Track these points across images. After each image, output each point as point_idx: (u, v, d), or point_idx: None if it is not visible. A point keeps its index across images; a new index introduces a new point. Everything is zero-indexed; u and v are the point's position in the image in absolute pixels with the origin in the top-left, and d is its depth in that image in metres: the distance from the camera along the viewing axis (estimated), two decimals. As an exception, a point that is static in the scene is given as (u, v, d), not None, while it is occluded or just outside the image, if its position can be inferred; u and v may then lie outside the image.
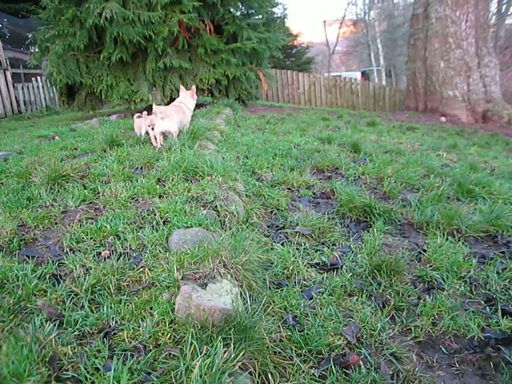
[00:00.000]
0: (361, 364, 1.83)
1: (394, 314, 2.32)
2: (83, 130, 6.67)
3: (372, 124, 9.93)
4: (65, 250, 2.40)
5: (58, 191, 3.33)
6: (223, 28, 10.02)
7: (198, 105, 7.71)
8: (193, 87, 5.22)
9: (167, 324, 1.67)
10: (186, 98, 5.12)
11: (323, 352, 1.86)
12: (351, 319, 2.15)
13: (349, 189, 3.79)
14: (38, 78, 17.81)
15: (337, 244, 3.07)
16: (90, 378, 1.43)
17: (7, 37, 21.97)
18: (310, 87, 19.38)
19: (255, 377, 1.56)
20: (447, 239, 3.19)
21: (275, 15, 13.08)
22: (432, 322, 2.26)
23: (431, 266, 2.82)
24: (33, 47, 21.76)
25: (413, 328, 2.20)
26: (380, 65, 32.74)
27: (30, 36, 17.37)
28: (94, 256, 2.30)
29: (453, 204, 3.91)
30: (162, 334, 1.63)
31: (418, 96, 15.13)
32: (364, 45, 37.55)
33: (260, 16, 11.40)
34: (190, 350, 1.50)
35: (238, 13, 10.67)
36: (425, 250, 3.05)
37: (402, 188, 4.31)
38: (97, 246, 2.41)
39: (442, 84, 14.15)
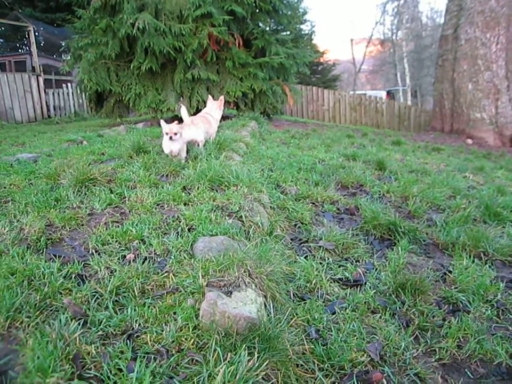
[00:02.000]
0: (385, 382, 1.79)
1: (418, 334, 2.27)
2: (110, 137, 6.79)
3: (397, 143, 9.86)
4: (90, 252, 2.43)
5: (86, 194, 3.38)
6: (252, 42, 10.14)
7: (224, 117, 7.78)
8: (222, 97, 5.27)
9: (191, 330, 1.66)
10: (213, 109, 5.17)
11: (346, 368, 1.83)
12: (374, 336, 2.11)
13: (373, 206, 3.75)
14: (69, 84, 18.26)
15: (360, 261, 3.04)
16: (112, 379, 1.43)
17: (41, 44, 22.63)
18: (335, 104, 19.39)
19: (277, 389, 1.54)
20: (473, 261, 3.12)
21: (303, 32, 13.19)
22: (458, 345, 2.20)
23: (456, 288, 2.76)
24: (65, 55, 22.38)
25: (437, 350, 2.15)
26: (406, 85, 32.61)
27: (63, 44, 17.87)
28: (119, 258, 2.32)
29: (479, 226, 3.83)
30: (186, 339, 1.62)
31: (445, 117, 14.97)
32: (390, 65, 37.51)
33: (288, 32, 11.53)
34: (213, 356, 1.49)
35: (267, 28, 10.81)
36: (450, 272, 2.99)
37: (428, 207, 4.25)
38: (122, 249, 2.43)
39: (469, 106, 13.99)
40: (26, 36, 19.40)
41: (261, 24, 10.71)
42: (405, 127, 18.77)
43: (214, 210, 2.88)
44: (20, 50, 24.50)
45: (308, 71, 12.38)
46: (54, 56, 22.73)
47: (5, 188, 3.68)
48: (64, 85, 18.27)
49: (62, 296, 1.95)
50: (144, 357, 1.53)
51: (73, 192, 3.38)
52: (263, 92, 10.09)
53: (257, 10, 10.15)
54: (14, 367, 1.52)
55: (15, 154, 5.24)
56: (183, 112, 4.54)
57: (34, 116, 16.50)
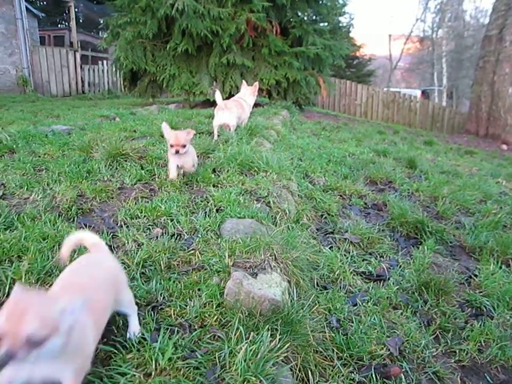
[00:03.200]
0: (403, 377, 1.78)
1: (439, 334, 2.25)
2: (142, 115, 6.86)
3: (428, 143, 9.69)
4: (119, 224, 2.47)
5: (117, 168, 3.44)
6: (289, 31, 10.06)
7: (255, 105, 7.77)
8: (256, 83, 5.26)
9: (214, 307, 1.68)
10: (247, 94, 5.17)
11: (364, 359, 1.83)
12: (394, 331, 2.10)
13: (402, 204, 3.71)
14: (104, 61, 18.48)
15: (384, 256, 3.01)
16: (136, 346, 1.46)
17: (80, 20, 22.96)
18: (368, 99, 19.11)
19: (295, 372, 1.55)
20: (500, 267, 3.05)
21: (341, 24, 12.98)
22: (478, 349, 2.17)
23: (481, 292, 2.72)
24: (103, 32, 22.65)
25: (457, 351, 2.13)
26: (442, 86, 31.86)
27: (102, 21, 18.07)
28: (146, 233, 2.35)
29: (509, 233, 3.74)
30: (209, 315, 1.65)
31: (480, 121, 14.59)
32: (427, 63, 36.64)
33: (326, 23, 11.37)
34: (235, 334, 1.50)
35: (305, 18, 10.68)
36: (476, 275, 2.94)
37: (457, 210, 4.17)
38: (150, 224, 2.47)
39: (508, 111, 13.59)
40: (67, 12, 19.69)
41: (299, 13, 10.59)
42: (437, 128, 18.37)
43: (243, 194, 2.89)
44: (59, 26, 24.92)
45: (343, 64, 12.22)
46: (92, 32, 23.05)
47: (39, 156, 3.77)
48: (99, 62, 18.51)
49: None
50: (167, 329, 1.56)
51: (105, 165, 3.44)
52: (297, 82, 10.01)
53: (297, -1, 10.04)
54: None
55: (50, 125, 5.35)
56: (217, 96, 4.55)
57: (69, 90, 16.78)
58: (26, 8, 15.08)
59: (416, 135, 11.68)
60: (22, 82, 14.69)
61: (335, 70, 17.10)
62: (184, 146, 2.98)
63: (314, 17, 11.31)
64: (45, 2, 24.87)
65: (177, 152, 2.96)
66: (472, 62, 26.28)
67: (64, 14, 24.46)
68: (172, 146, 2.99)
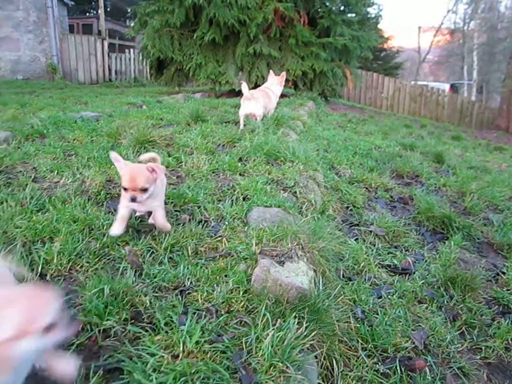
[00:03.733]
0: (427, 370, 1.77)
1: (464, 330, 2.22)
2: (169, 104, 6.90)
3: (456, 138, 9.51)
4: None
5: (144, 155, 3.47)
6: (317, 21, 9.96)
7: (281, 95, 7.75)
8: (283, 73, 5.23)
9: (241, 293, 1.70)
10: (274, 84, 5.14)
11: (388, 351, 1.82)
12: (419, 325, 2.08)
13: (429, 198, 3.66)
14: (131, 50, 18.63)
15: (410, 250, 2.99)
16: (164, 328, 1.49)
17: (108, 9, 23.15)
18: (394, 92, 18.81)
19: (320, 360, 1.56)
20: (529, 266, 2.99)
21: (369, 15, 12.76)
22: (505, 347, 2.14)
23: (508, 290, 2.67)
24: (130, 21, 22.84)
25: (483, 348, 2.10)
26: (472, 80, 31.08)
27: (130, 10, 18.20)
28: (174, 219, 2.37)
29: (540, 231, 3.65)
30: (236, 301, 1.66)
31: (511, 116, 14.23)
32: (457, 56, 35.75)
33: (354, 14, 11.20)
34: (262, 320, 1.51)
35: (334, 8, 10.54)
36: (503, 273, 2.89)
37: (485, 206, 4.08)
38: (177, 211, 2.50)
39: (540, 107, 13.22)
40: (95, 0, 19.87)
41: (327, 3, 10.46)
42: (465, 123, 17.98)
43: (269, 183, 2.90)
44: (87, 14, 25.22)
45: (371, 56, 12.04)
46: (119, 21, 23.25)
47: (69, 142, 3.84)
48: (126, 50, 18.67)
49: (119, 248, 2.03)
50: (194, 313, 1.58)
51: (133, 151, 3.48)
52: (323, 73, 9.92)
53: (326, -12, 9.93)
54: (74, 306, 1.61)
55: (79, 112, 5.44)
56: (244, 86, 4.55)
57: (96, 78, 16.99)
58: (56, -4, 15.30)
59: (443, 130, 11.48)
60: (51, 70, 14.95)
61: (362, 62, 16.88)
62: (145, 190, 2.01)
63: (342, 7, 11.16)
64: (74, -9, 25.16)
65: (133, 200, 2.00)
66: (505, 55, 25.56)
67: (93, 3, 24.77)
68: (125, 189, 2.03)
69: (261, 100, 4.65)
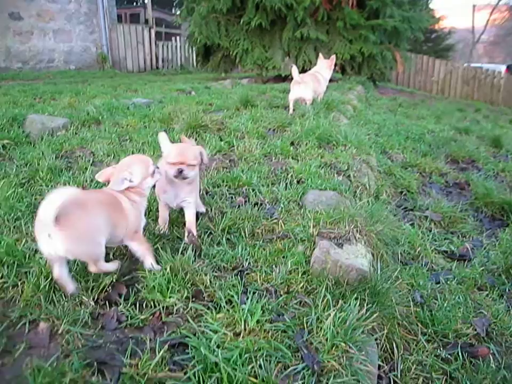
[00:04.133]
0: (491, 358, 1.72)
1: (529, 318, 2.12)
2: (217, 89, 6.95)
3: (514, 121, 9.07)
4: (201, 192, 2.54)
5: (196, 139, 3.52)
6: (366, 3, 9.64)
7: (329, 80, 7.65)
8: (333, 57, 5.14)
9: (300, 274, 1.70)
10: (323, 68, 5.06)
11: (449, 337, 1.78)
12: (481, 312, 2.02)
13: (487, 183, 3.53)
14: (177, 37, 18.80)
15: (467, 236, 2.90)
16: (225, 307, 1.51)
17: (154, -3, 23.41)
18: (446, 76, 18.06)
19: (381, 342, 1.54)
20: None
21: (420, -6, 12.27)
22: None
23: None
24: (176, 9, 23.03)
25: (550, 338, 2.01)
26: (531, 60, 29.39)
27: (176, -2, 18.34)
28: (229, 201, 2.40)
29: None
30: (295, 282, 1.67)
31: None
32: (516, 35, 33.78)
33: (405, -7, 10.79)
34: (322, 301, 1.51)
35: (383, -12, 10.20)
36: None
37: (549, 192, 3.89)
38: (232, 193, 2.53)
39: None
40: (143, -11, 20.16)
41: (377, -17, 10.14)
42: (523, 106, 17.08)
43: (322, 167, 2.87)
44: (135, 4, 25.64)
45: (422, 37, 11.60)
46: (165, 9, 23.50)
47: (123, 127, 3.95)
48: (173, 38, 18.86)
49: (178, 228, 2.08)
50: (254, 293, 1.60)
51: (186, 136, 3.53)
52: (372, 56, 9.65)
53: (375, -32, 9.60)
54: (137, 283, 1.67)
55: (131, 98, 5.57)
56: (294, 70, 4.50)
57: (144, 66, 17.30)
58: (106, -12, 15.63)
59: (500, 113, 10.99)
60: (101, 59, 15.34)
61: (411, 44, 16.29)
62: (192, 166, 1.98)
63: (392, -13, 10.78)
64: (122, -19, 25.62)
65: (180, 172, 1.94)
66: None
67: (140, -8, 25.13)
68: (173, 164, 1.98)
69: (310, 84, 4.60)
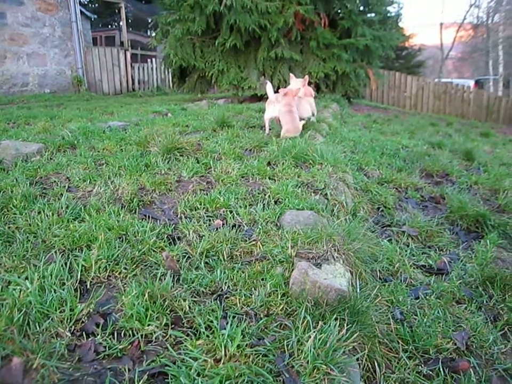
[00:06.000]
0: (471, 372, 1.73)
1: (507, 330, 2.16)
2: (193, 110, 6.98)
3: (485, 134, 9.33)
4: (179, 216, 2.53)
5: (173, 162, 3.52)
6: (338, 23, 9.93)
7: (304, 98, 7.75)
8: (306, 77, 5.22)
9: (279, 296, 1.70)
10: (296, 87, 5.12)
11: (430, 353, 1.79)
12: (460, 325, 2.04)
13: (461, 196, 3.60)
14: (153, 59, 18.91)
15: (444, 250, 2.94)
16: (205, 333, 1.50)
17: (130, 20, 23.59)
18: (418, 91, 18.55)
19: (362, 362, 1.54)
20: None
21: (390, 14, 12.66)
22: (551, 348, 2.07)
23: (550, 289, 2.58)
24: (151, 31, 23.20)
25: (528, 349, 2.04)
26: (498, 74, 30.38)
27: (150, 20, 18.51)
28: (206, 224, 2.39)
29: None
30: (274, 304, 1.66)
31: (540, 111, 13.86)
32: (482, 52, 34.96)
33: (375, 14, 11.13)
34: (302, 323, 1.51)
35: (354, 8, 10.48)
36: (544, 271, 2.80)
37: (520, 203, 3.99)
38: (209, 216, 2.51)
39: None
40: (117, 12, 20.27)
41: (348, 4, 10.40)
42: (493, 119, 17.59)
43: (299, 186, 2.89)
44: (110, 26, 25.74)
45: (393, 55, 11.94)
46: (141, 32, 23.65)
47: (99, 151, 3.91)
48: (148, 60, 18.95)
49: (155, 253, 2.06)
50: (233, 317, 1.58)
51: (162, 159, 3.53)
52: (346, 74, 9.88)
53: (345, -11, 9.88)
54: (115, 312, 1.63)
55: (107, 122, 5.55)
56: (269, 89, 4.55)
57: (120, 88, 17.29)
58: (80, 11, 15.65)
59: (471, 127, 11.28)
60: (76, 82, 15.28)
61: (384, 61, 16.71)
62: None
63: (362, 7, 11.09)
64: (96, 5, 25.73)
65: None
66: (531, 49, 24.92)
67: (115, 15, 25.22)
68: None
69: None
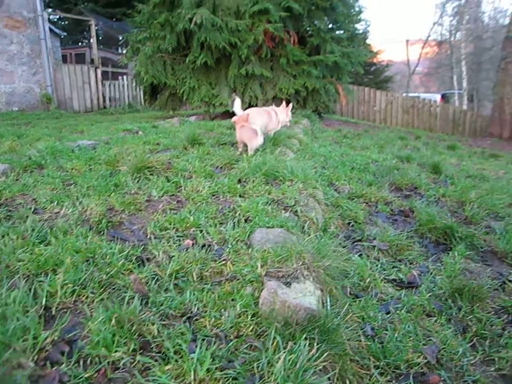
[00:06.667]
0: (442, 385, 1.75)
1: (476, 341, 2.19)
2: (164, 128, 6.94)
3: (452, 147, 9.58)
4: (148, 237, 2.50)
5: (143, 181, 3.48)
6: (307, 40, 10.11)
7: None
8: (290, 105, 5.25)
9: (249, 317, 1.68)
10: (280, 110, 5.14)
11: (401, 368, 1.80)
12: (430, 339, 2.06)
13: (429, 209, 3.67)
14: (124, 77, 18.84)
15: (414, 263, 2.97)
16: (174, 357, 1.47)
17: (100, 38, 23.48)
18: (387, 106, 18.99)
19: (334, 381, 1.53)
20: (535, 272, 2.98)
21: (358, 31, 12.99)
22: (519, 357, 2.11)
23: (516, 298, 2.64)
24: (122, 48, 23.15)
25: (496, 359, 2.07)
26: (462, 89, 31.43)
27: (121, 38, 18.47)
28: (176, 244, 2.37)
29: (542, 236, 3.64)
30: (244, 325, 1.64)
31: (504, 123, 14.37)
32: (446, 67, 36.19)
33: (343, 31, 11.41)
34: (272, 344, 1.50)
35: (323, 26, 10.71)
36: (510, 281, 2.87)
37: (486, 214, 4.08)
38: (179, 236, 2.49)
39: (532, 112, 13.35)
40: (87, 30, 20.19)
41: (316, 22, 10.62)
42: (459, 132, 18.11)
43: (270, 204, 2.90)
44: (80, 44, 25.56)
45: (362, 71, 12.22)
46: (111, 49, 23.55)
47: (67, 171, 3.84)
48: (120, 77, 18.87)
49: (124, 276, 2.01)
50: (203, 339, 1.56)
51: (132, 178, 3.48)
52: (316, 90, 10.03)
53: (314, 8, 10.07)
54: (81, 338, 1.59)
55: (75, 141, 5.46)
56: (237, 105, 4.53)
57: (91, 106, 17.13)
58: (49, 28, 15.52)
59: (438, 140, 11.57)
60: (46, 100, 15.06)
61: (353, 77, 17.06)
62: None
63: (331, 25, 11.36)
64: (66, 22, 25.53)
65: None
66: (492, 64, 25.89)
67: (85, 33, 25.08)
68: None
69: (258, 122, 4.65)
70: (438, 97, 27.61)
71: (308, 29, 10.32)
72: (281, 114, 5.08)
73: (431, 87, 44.19)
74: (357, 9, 12.50)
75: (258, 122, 4.49)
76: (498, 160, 9.07)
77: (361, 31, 15.83)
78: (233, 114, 4.58)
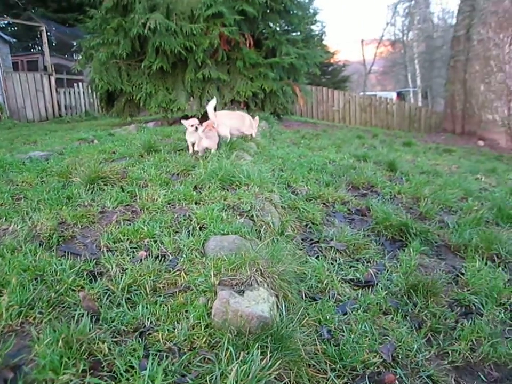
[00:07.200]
0: (398, 383, 1.77)
1: (430, 336, 2.24)
2: (121, 136, 6.82)
3: (407, 144, 9.82)
4: (102, 250, 2.44)
5: (97, 192, 3.40)
6: (263, 42, 10.15)
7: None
8: (256, 118, 5.45)
9: (203, 328, 1.66)
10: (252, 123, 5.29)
11: (358, 369, 1.81)
12: (386, 337, 2.09)
13: (385, 207, 3.73)
14: (80, 83, 18.39)
15: (371, 261, 3.01)
16: (125, 375, 1.43)
17: (53, 44, 22.83)
18: (345, 105, 19.30)
19: (289, 389, 1.53)
20: (486, 263, 3.07)
21: (313, 32, 13.17)
22: (471, 348, 2.17)
23: (468, 290, 2.72)
24: (77, 54, 22.59)
25: (450, 352, 2.12)
26: (416, 87, 32.38)
27: (75, 44, 18.03)
28: (130, 257, 2.32)
29: (492, 228, 3.78)
30: (198, 337, 1.62)
31: (456, 119, 14.86)
32: (401, 66, 37.23)
33: (299, 33, 11.53)
34: (225, 355, 1.48)
35: (278, 28, 10.80)
36: (462, 274, 2.95)
37: (439, 209, 4.20)
38: (133, 247, 2.44)
39: (481, 107, 13.86)
40: (39, 36, 19.60)
41: (271, 24, 10.71)
42: (415, 128, 18.62)
43: (225, 210, 2.88)
44: (32, 50, 24.77)
45: (318, 72, 12.36)
46: (66, 55, 22.95)
47: (17, 185, 3.71)
48: (75, 84, 18.41)
49: (74, 293, 1.95)
50: (156, 354, 1.53)
51: (85, 190, 3.40)
52: (274, 92, 10.08)
53: (268, 11, 10.14)
54: (27, 363, 1.53)
55: (27, 152, 5.28)
56: (210, 107, 4.61)
57: (45, 114, 16.63)
58: (-3, 35, 15.00)
59: (394, 137, 11.84)
60: (-4, 110, 14.54)
61: (310, 78, 17.26)
62: None
63: (286, 27, 11.44)
64: (16, 28, 24.68)
65: None
66: (443, 62, 26.78)
67: (37, 39, 24.32)
68: None
69: (223, 126, 4.68)
70: (394, 95, 28.36)
71: (263, 31, 10.37)
72: (253, 122, 5.20)
73: (387, 86, 45.34)
74: (311, 11, 12.67)
75: (227, 122, 4.58)
76: (451, 155, 9.37)
77: (317, 32, 16.11)
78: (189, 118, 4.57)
